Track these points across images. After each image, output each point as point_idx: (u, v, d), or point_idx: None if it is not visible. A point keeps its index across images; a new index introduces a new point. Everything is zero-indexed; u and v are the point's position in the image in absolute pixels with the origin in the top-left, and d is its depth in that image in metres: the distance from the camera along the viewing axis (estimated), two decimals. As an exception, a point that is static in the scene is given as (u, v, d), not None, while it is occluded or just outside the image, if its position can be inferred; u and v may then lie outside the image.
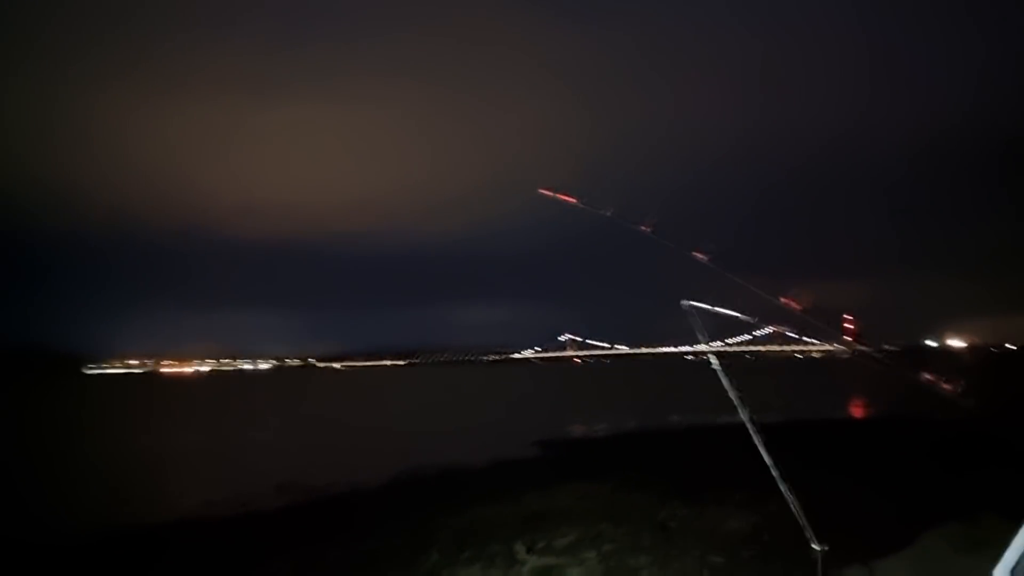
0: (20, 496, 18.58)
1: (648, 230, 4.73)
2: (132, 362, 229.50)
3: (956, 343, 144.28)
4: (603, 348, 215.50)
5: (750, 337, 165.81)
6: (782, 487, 4.58)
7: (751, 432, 4.86)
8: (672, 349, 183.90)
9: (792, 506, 4.55)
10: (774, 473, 4.65)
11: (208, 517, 15.26)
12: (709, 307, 5.32)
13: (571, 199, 5.34)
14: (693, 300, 5.41)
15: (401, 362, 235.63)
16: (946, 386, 3.38)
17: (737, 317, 5.66)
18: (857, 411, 37.60)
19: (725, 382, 5.03)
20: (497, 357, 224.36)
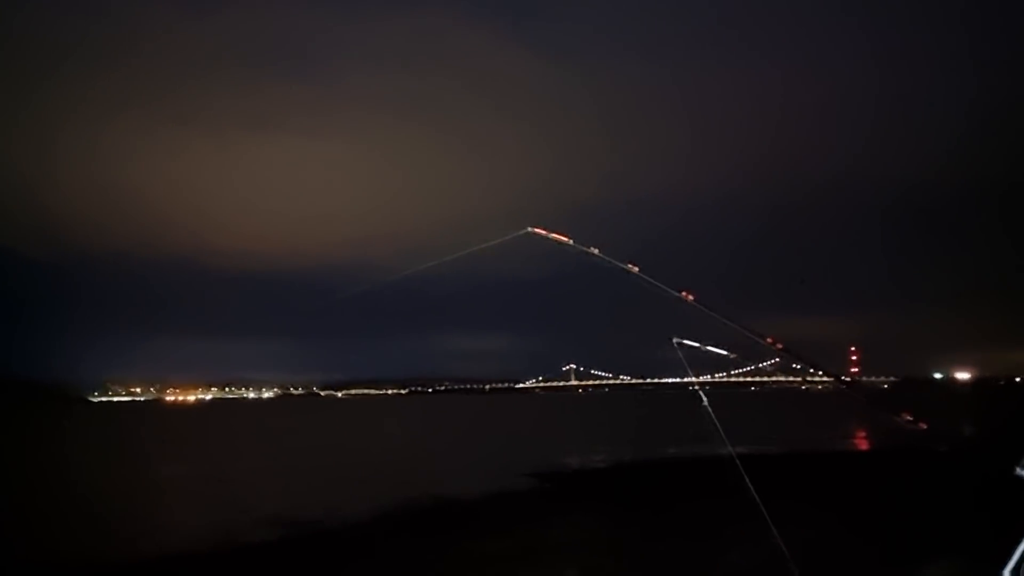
0: (3, 530, 18.37)
1: (635, 269, 4.84)
2: (136, 390, 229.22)
3: (962, 375, 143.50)
4: (606, 378, 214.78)
5: (751, 368, 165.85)
6: (771, 524, 4.65)
7: (739, 468, 4.94)
8: (676, 380, 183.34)
9: (780, 542, 4.61)
10: (763, 509, 4.72)
11: (194, 552, 14.94)
12: (698, 345, 5.44)
13: (563, 237, 5.46)
14: (683, 336, 5.53)
15: (403, 391, 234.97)
16: (919, 426, 3.45)
17: (724, 355, 5.78)
18: (858, 443, 37.45)
19: (712, 416, 5.13)
20: (499, 386, 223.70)
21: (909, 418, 3.38)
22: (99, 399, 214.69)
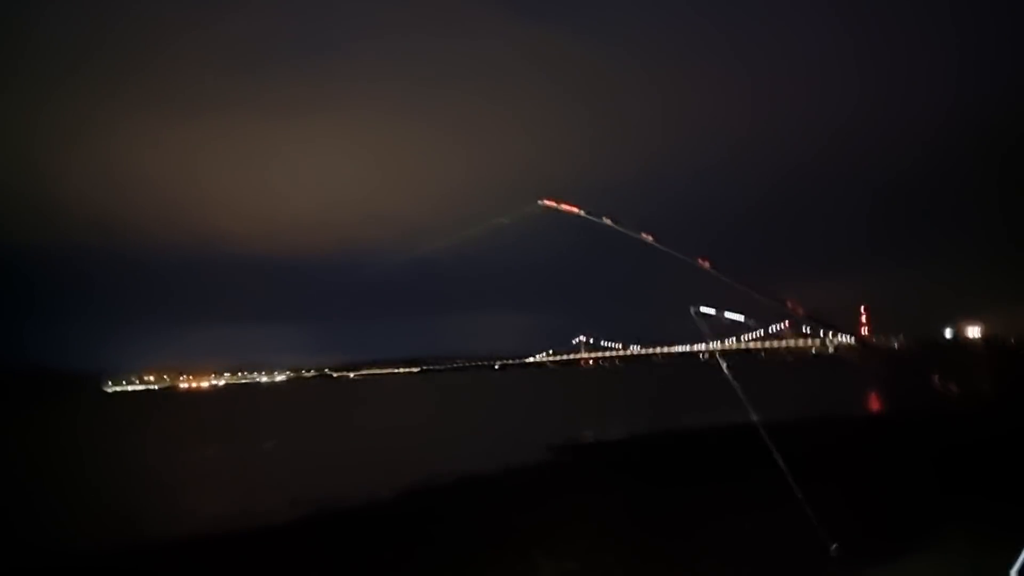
0: (32, 513, 18.75)
1: (650, 238, 4.77)
2: (150, 378, 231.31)
3: (973, 333, 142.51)
4: (616, 350, 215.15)
5: (763, 334, 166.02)
6: (795, 487, 4.61)
7: (762, 433, 4.91)
8: (686, 349, 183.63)
9: (807, 506, 4.57)
10: (787, 474, 4.68)
11: (218, 534, 15.08)
12: (715, 312, 5.38)
13: (574, 208, 5.38)
14: (701, 304, 5.47)
15: (415, 369, 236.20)
16: (949, 388, 3.37)
17: (743, 321, 5.71)
18: (873, 407, 37.38)
19: (733, 383, 5.10)
20: (509, 362, 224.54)
21: (938, 379, 3.30)
22: (114, 388, 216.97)
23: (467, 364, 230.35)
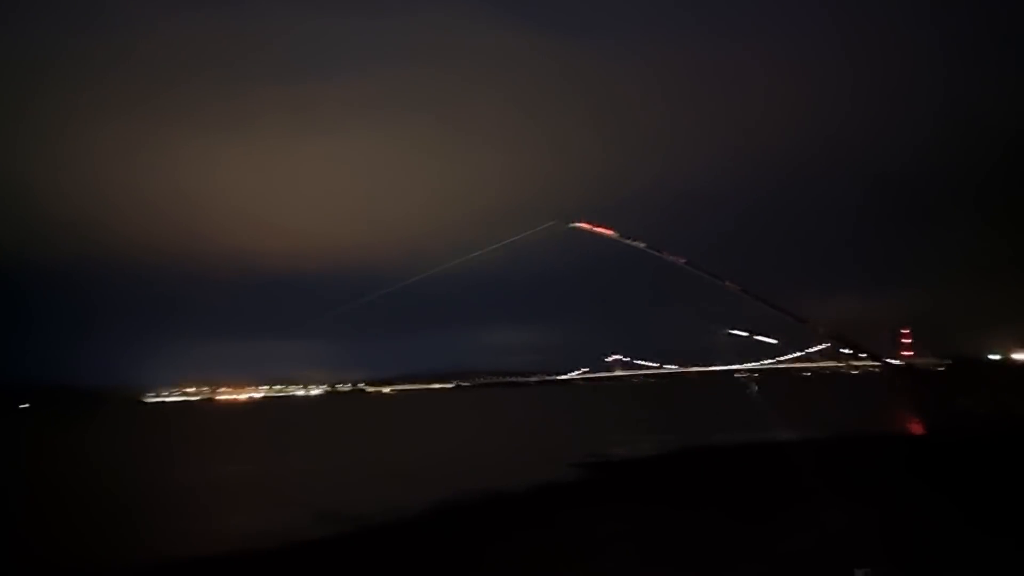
0: (64, 527, 18.99)
1: (682, 261, 4.89)
2: (189, 390, 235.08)
3: (1020, 356, 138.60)
4: (652, 367, 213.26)
5: (800, 354, 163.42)
6: (824, 510, 4.68)
7: (791, 452, 4.98)
8: (721, 368, 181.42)
9: (836, 530, 4.63)
10: (816, 496, 4.75)
11: (247, 551, 15.09)
12: (747, 334, 5.48)
13: (607, 231, 5.51)
14: (735, 324, 5.58)
15: (448, 385, 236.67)
16: (981, 410, 3.38)
17: (774, 343, 5.80)
18: (906, 428, 36.54)
19: (764, 403, 5.18)
20: (544, 378, 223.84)
21: (970, 402, 3.33)
22: (153, 400, 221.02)
23: (500, 380, 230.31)
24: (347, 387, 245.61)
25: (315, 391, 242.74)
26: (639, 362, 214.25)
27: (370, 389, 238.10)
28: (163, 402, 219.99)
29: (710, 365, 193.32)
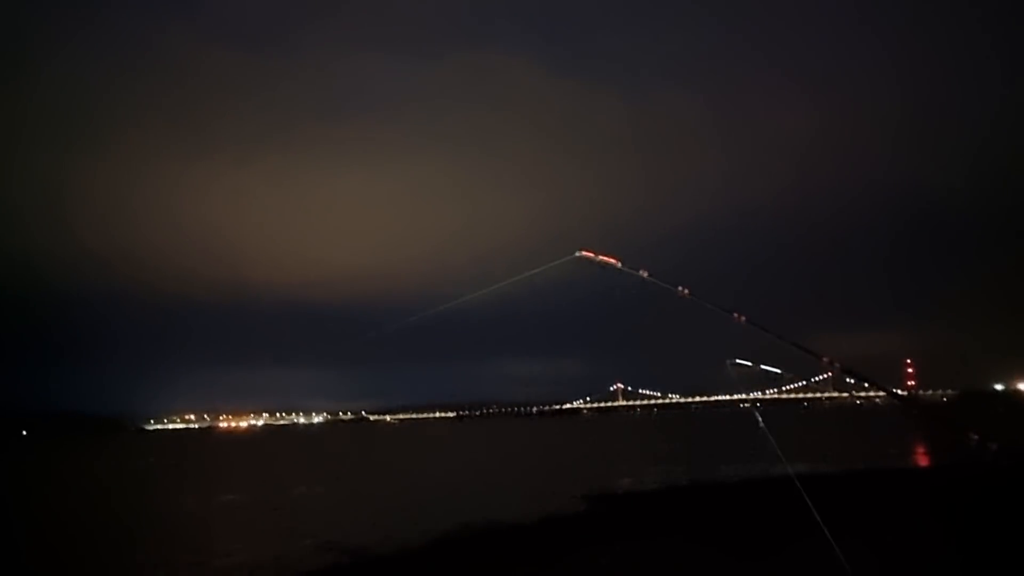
0: (63, 556, 18.78)
1: (686, 292, 4.84)
2: (190, 418, 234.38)
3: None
4: (654, 398, 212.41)
5: (802, 384, 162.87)
6: (833, 545, 4.59)
7: (797, 485, 4.91)
8: (724, 397, 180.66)
9: (844, 564, 4.55)
10: (822, 531, 4.67)
11: None
12: (751, 364, 5.44)
13: (612, 260, 5.49)
14: (738, 356, 5.55)
15: (451, 414, 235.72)
16: (989, 446, 3.34)
17: (780, 373, 5.75)
18: (911, 462, 36.24)
19: (769, 435, 5.13)
20: (546, 408, 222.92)
21: (976, 436, 3.28)
22: (154, 427, 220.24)
23: (503, 410, 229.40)
24: (349, 416, 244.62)
25: (316, 419, 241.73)
26: (642, 391, 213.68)
27: (373, 418, 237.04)
28: (164, 429, 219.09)
29: (714, 395, 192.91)
